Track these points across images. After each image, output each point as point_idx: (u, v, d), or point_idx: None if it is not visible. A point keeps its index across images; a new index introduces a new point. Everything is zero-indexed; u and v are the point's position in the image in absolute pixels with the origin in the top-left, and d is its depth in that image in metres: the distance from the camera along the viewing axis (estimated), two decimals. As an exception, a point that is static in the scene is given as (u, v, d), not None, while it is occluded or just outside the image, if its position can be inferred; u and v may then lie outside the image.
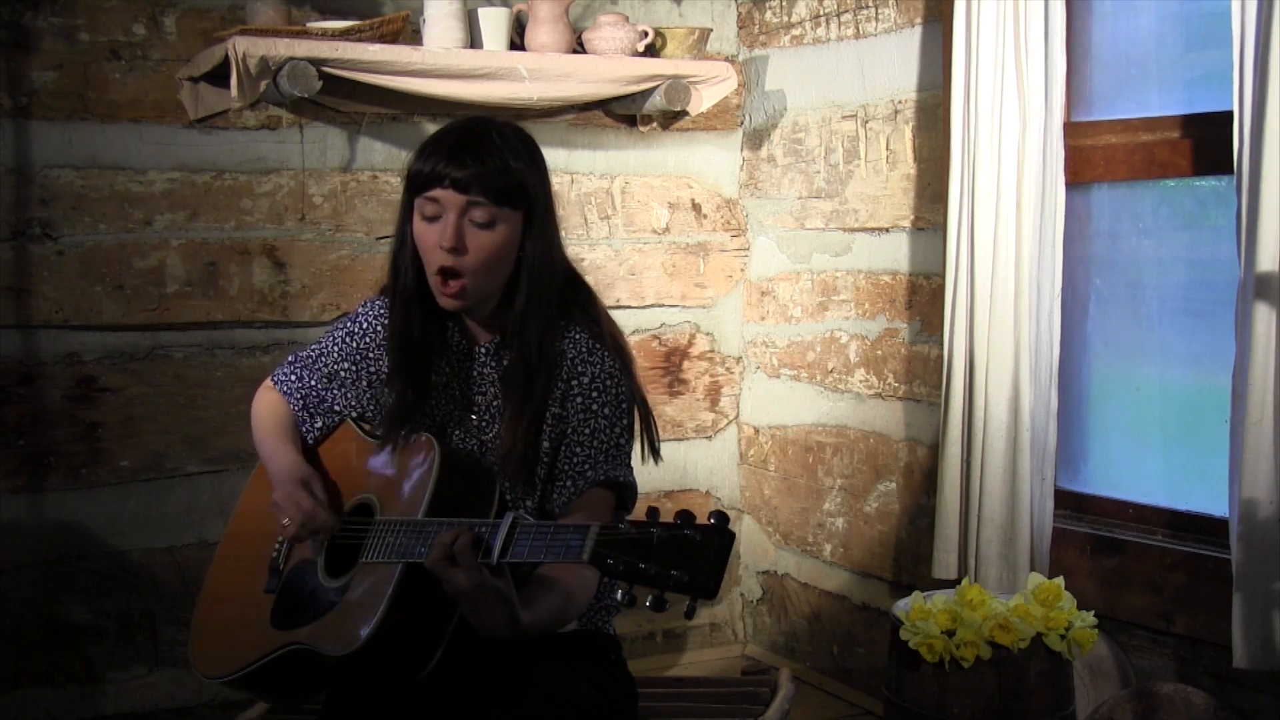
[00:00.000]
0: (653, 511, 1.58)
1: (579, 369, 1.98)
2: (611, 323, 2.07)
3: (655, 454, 2.06)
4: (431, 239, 1.92)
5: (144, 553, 3.19)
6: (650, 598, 1.53)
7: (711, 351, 3.85)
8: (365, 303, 2.16)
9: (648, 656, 3.73)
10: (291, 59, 2.93)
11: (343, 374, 2.13)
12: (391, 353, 2.03)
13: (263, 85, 2.93)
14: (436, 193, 1.90)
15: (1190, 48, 2.76)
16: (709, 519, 1.54)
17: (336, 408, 2.14)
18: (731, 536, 1.53)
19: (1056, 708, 2.41)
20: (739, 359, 3.88)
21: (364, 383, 2.11)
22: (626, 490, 1.99)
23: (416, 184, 1.92)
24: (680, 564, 1.52)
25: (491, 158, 1.89)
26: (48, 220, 3.07)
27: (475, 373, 2.04)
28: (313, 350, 2.17)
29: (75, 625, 3.14)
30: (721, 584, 1.52)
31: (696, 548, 1.52)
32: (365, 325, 2.12)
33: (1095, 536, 2.82)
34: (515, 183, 1.91)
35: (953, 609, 2.41)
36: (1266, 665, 2.39)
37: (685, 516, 1.54)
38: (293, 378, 2.17)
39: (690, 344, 3.82)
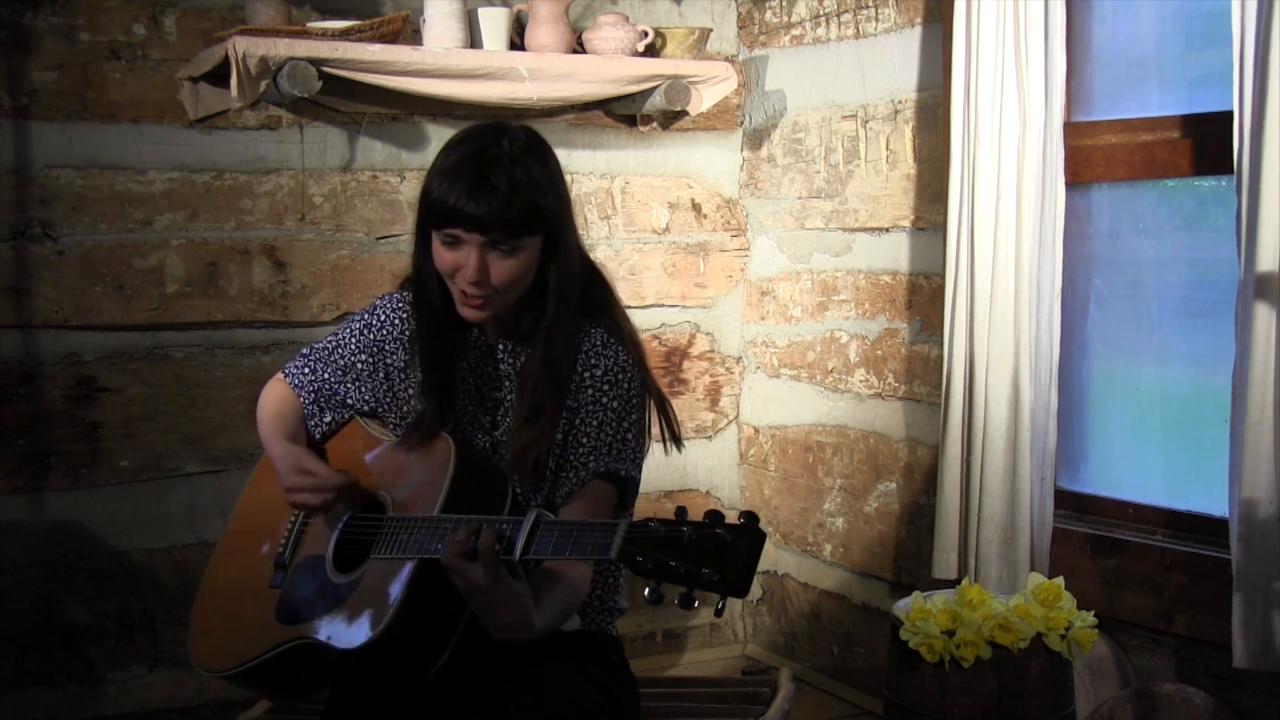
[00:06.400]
0: (681, 510, 1.58)
1: (592, 361, 1.98)
2: (628, 320, 2.07)
3: (678, 442, 2.06)
4: (454, 261, 1.90)
5: (144, 553, 3.19)
6: (678, 596, 1.54)
7: (711, 351, 3.84)
8: (383, 296, 2.15)
9: (648, 656, 3.73)
10: (291, 59, 2.93)
11: (359, 366, 2.12)
12: (425, 370, 2.02)
13: (263, 85, 2.93)
14: (455, 231, 1.88)
15: (1190, 48, 2.76)
16: (739, 519, 1.55)
17: (350, 401, 2.13)
18: (762, 536, 1.54)
19: (1056, 708, 2.41)
20: (739, 359, 3.88)
21: (380, 374, 2.11)
22: (628, 485, 1.98)
23: (434, 219, 1.90)
24: (711, 562, 1.53)
25: (505, 186, 1.85)
26: (48, 220, 3.07)
27: (494, 370, 2.04)
28: (328, 343, 2.16)
29: (75, 625, 3.14)
30: (752, 582, 1.54)
31: (728, 547, 1.53)
32: (384, 318, 2.12)
33: (1095, 536, 2.82)
34: (533, 210, 1.88)
35: (953, 609, 2.41)
36: (1266, 665, 2.39)
37: (714, 516, 1.55)
38: (305, 370, 2.16)
39: (690, 344, 3.81)
